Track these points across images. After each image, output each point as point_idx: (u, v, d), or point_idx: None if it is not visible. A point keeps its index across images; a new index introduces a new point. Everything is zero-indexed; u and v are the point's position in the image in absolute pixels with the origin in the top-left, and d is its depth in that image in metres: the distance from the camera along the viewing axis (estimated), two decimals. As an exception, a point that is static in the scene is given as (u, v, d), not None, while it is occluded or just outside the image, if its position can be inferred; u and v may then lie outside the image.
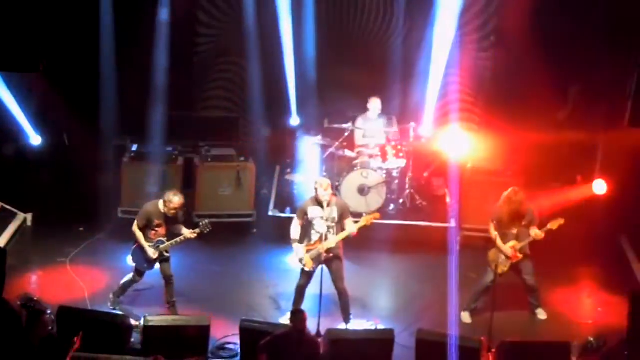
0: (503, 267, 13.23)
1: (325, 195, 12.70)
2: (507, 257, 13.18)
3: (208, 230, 13.11)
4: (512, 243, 13.16)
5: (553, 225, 13.05)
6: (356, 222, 12.92)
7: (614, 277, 15.01)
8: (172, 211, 12.92)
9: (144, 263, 13.08)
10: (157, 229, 13.02)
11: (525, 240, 13.17)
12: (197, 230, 13.05)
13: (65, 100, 16.85)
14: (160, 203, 12.98)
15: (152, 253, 12.95)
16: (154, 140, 16.63)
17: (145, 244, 12.96)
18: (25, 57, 13.17)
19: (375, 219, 13.08)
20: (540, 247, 13.47)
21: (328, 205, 12.75)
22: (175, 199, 12.87)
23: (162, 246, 12.99)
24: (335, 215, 12.78)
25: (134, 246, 13.11)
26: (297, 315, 10.97)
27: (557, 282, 14.85)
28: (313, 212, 12.82)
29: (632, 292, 12.30)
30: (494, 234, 13.16)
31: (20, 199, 16.12)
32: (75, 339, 10.42)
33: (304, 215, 12.87)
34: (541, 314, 13.66)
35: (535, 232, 13.10)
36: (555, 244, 13.67)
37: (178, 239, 13.04)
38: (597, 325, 13.22)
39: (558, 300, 14.34)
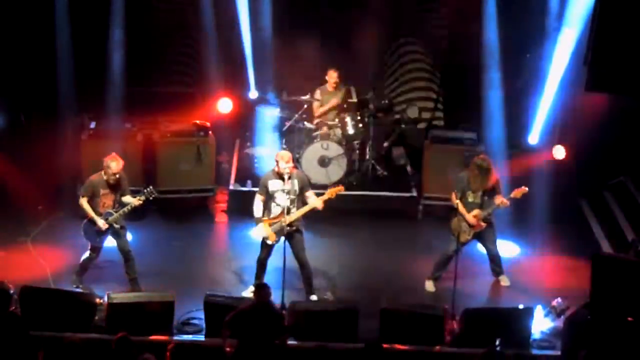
0: (466, 236, 13.28)
1: (287, 167, 12.67)
2: (471, 226, 13.23)
3: (153, 196, 13.06)
4: (475, 212, 13.19)
5: (517, 194, 13.08)
6: (320, 194, 12.92)
7: (576, 241, 15.16)
8: (113, 177, 12.83)
9: (95, 237, 13.00)
10: (103, 199, 12.94)
11: (489, 208, 13.21)
12: (142, 197, 12.98)
13: (21, 79, 16.68)
14: (103, 173, 12.93)
15: (102, 223, 12.86)
16: (112, 116, 16.50)
17: (94, 215, 12.87)
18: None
19: (340, 191, 13.08)
20: (502, 212, 13.56)
21: (289, 178, 12.73)
22: (113, 164, 12.79)
23: (111, 218, 12.90)
24: (296, 187, 12.76)
25: (84, 222, 13.02)
26: (261, 289, 10.96)
27: (519, 247, 14.98)
28: (274, 185, 12.79)
29: (594, 255, 12.39)
30: (456, 202, 13.19)
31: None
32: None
33: (265, 189, 12.84)
34: (504, 281, 13.75)
35: (501, 200, 13.13)
36: (516, 209, 13.75)
37: (125, 208, 12.96)
38: (560, 290, 13.30)
39: (521, 265, 14.46)
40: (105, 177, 12.89)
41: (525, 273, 14.22)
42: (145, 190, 13.05)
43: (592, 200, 16.44)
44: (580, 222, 16.02)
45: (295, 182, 12.78)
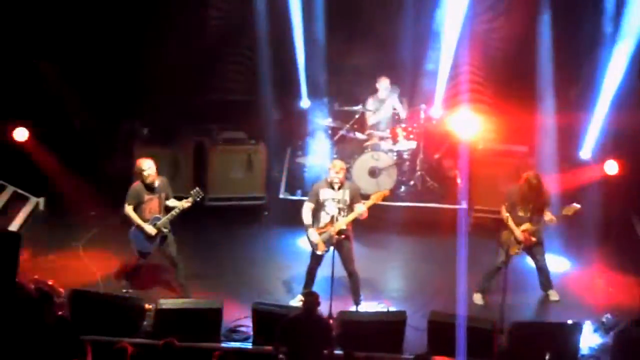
0: (515, 249, 13.20)
1: (336, 177, 12.70)
2: (520, 241, 13.13)
3: (200, 197, 13.09)
4: (525, 226, 13.10)
5: (568, 211, 12.93)
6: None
7: (626, 258, 15.00)
8: (149, 178, 12.90)
9: (144, 243, 13.06)
10: (149, 205, 13.01)
11: (538, 224, 13.12)
12: (190, 199, 12.99)
13: (76, 85, 16.87)
14: (140, 178, 13.01)
15: (150, 229, 12.94)
16: (166, 123, 16.63)
17: (141, 222, 12.95)
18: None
19: (385, 195, 13.03)
20: (553, 226, 13.46)
21: (340, 187, 12.75)
22: (145, 164, 12.90)
23: (159, 223, 12.96)
24: (347, 197, 12.78)
25: (132, 229, 13.10)
26: (309, 296, 10.97)
27: (569, 262, 14.87)
28: (325, 193, 12.83)
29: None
30: (506, 215, 13.13)
31: (33, 183, 16.14)
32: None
33: (316, 197, 12.87)
34: (553, 295, 13.64)
35: (550, 217, 13.04)
36: (567, 224, 13.65)
37: (173, 212, 12.99)
38: (610, 306, 13.19)
39: (570, 280, 14.35)
40: (143, 182, 12.97)
41: (574, 288, 14.10)
42: (192, 192, 13.07)
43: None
44: (632, 238, 15.85)
45: (347, 192, 12.80)
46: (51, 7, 16.63)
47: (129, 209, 13.02)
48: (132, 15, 16.97)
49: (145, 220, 12.99)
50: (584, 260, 15.02)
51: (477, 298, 13.58)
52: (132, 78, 17.12)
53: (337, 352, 10.92)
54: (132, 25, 17.00)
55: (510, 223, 13.11)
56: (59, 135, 16.82)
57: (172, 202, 13.14)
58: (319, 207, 12.89)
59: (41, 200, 16.15)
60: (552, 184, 14.16)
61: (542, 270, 13.52)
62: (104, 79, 17.04)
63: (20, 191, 15.99)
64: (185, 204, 13.00)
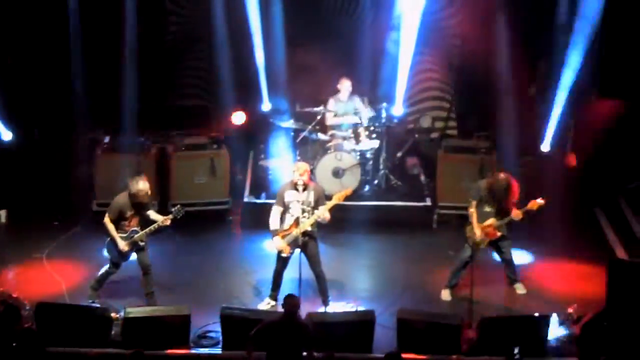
0: (481, 244, 13.27)
1: (301, 179, 12.69)
2: (480, 239, 13.20)
3: (181, 214, 13.04)
4: (490, 221, 13.17)
5: (532, 205, 13.04)
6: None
7: (590, 248, 15.12)
8: (140, 199, 12.85)
9: (118, 255, 13.01)
10: (130, 221, 12.95)
11: (504, 219, 13.19)
12: (170, 216, 12.95)
13: (35, 94, 16.77)
14: (128, 193, 12.93)
15: (123, 245, 12.84)
16: (127, 131, 16.57)
17: (117, 236, 12.84)
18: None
19: (347, 195, 12.97)
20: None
21: (304, 189, 12.74)
22: (140, 185, 12.79)
23: (136, 236, 12.90)
24: (311, 199, 12.76)
25: (107, 240, 13.02)
26: (289, 299, 10.91)
27: (534, 256, 14.96)
28: (289, 195, 12.82)
29: (610, 261, 12.36)
30: (471, 211, 13.19)
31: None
32: None
33: (282, 200, 12.86)
34: (520, 288, 13.71)
35: (515, 212, 13.11)
36: (530, 217, 13.71)
37: (152, 227, 12.93)
38: (575, 297, 13.27)
39: (536, 273, 14.43)
40: (131, 199, 12.89)
41: (540, 280, 14.17)
42: (173, 209, 13.04)
43: (606, 206, 16.39)
44: (595, 228, 15.99)
45: (312, 193, 12.78)
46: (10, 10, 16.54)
47: (107, 221, 12.88)
48: (91, 21, 16.88)
49: (124, 233, 12.88)
50: (548, 251, 15.11)
51: (445, 294, 13.60)
52: (93, 86, 17.03)
53: (316, 354, 10.90)
54: (92, 33, 16.91)
55: (474, 220, 13.17)
56: (18, 144, 16.70)
57: (152, 215, 13.07)
58: (284, 209, 12.89)
59: (3, 212, 16.02)
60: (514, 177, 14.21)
61: (508, 263, 13.60)
62: (63, 87, 16.93)
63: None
64: (165, 221, 12.92)
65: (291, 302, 10.80)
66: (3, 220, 16.04)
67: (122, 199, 12.93)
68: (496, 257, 13.80)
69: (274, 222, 12.87)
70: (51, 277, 13.96)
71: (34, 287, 13.48)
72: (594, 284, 13.40)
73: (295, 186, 12.78)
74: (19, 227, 15.79)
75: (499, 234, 13.26)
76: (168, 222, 12.96)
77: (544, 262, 14.90)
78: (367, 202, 16.33)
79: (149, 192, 12.92)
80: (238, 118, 17.11)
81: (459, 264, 13.44)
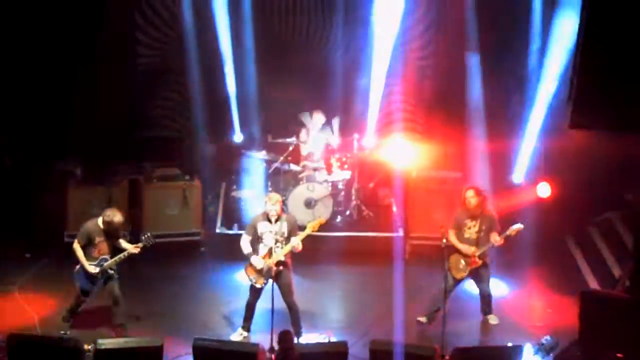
0: (462, 273, 13.29)
1: (273, 209, 12.70)
2: (467, 262, 13.22)
3: (151, 243, 13.05)
4: (471, 249, 13.20)
5: (511, 231, 13.10)
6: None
7: (562, 278, 15.20)
8: (113, 227, 12.88)
9: (87, 282, 12.96)
10: (99, 246, 12.93)
11: (484, 246, 13.22)
12: (140, 245, 12.99)
13: (6, 123, 16.71)
14: (100, 220, 12.94)
15: (93, 269, 12.84)
16: (99, 162, 16.53)
17: (85, 262, 12.85)
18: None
19: (321, 224, 13.04)
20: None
21: (277, 220, 12.75)
22: (116, 219, 12.86)
23: (105, 264, 12.89)
24: (284, 230, 12.78)
25: (77, 267, 12.98)
26: (285, 335, 10.91)
27: (506, 286, 15.00)
28: (262, 226, 12.83)
29: (582, 292, 12.40)
30: (452, 239, 13.21)
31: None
32: None
33: (253, 230, 12.86)
34: (493, 319, 13.73)
35: (495, 239, 13.14)
36: (502, 247, 13.76)
37: (121, 255, 12.95)
38: (548, 327, 13.31)
39: (508, 303, 14.47)
40: (103, 227, 12.88)
41: (513, 311, 14.22)
42: (143, 237, 13.06)
43: (578, 236, 16.46)
44: (567, 259, 16.05)
45: (285, 224, 12.80)
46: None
47: (77, 246, 12.91)
48: (63, 54, 16.85)
49: (93, 259, 12.88)
50: (520, 282, 15.20)
51: (423, 319, 13.57)
52: (65, 117, 16.99)
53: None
54: (64, 64, 16.87)
55: (454, 240, 13.19)
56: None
57: (122, 243, 13.06)
58: (256, 240, 12.88)
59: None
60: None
61: (484, 294, 13.60)
62: (36, 117, 16.86)
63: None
64: (134, 249, 12.96)
65: (286, 338, 10.81)
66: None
67: (91, 225, 12.97)
68: (471, 288, 13.80)
69: (246, 247, 12.89)
70: (23, 309, 13.85)
71: (6, 319, 13.37)
72: (567, 314, 13.46)
73: (267, 217, 12.79)
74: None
75: (479, 262, 13.27)
76: (137, 251, 13.00)
77: (516, 292, 14.96)
78: (339, 232, 16.36)
79: (120, 226, 12.96)
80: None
81: (438, 294, 13.37)
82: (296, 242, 12.72)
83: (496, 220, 13.37)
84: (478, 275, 13.47)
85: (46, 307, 13.86)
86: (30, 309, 13.82)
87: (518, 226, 13.11)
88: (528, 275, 15.32)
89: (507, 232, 13.12)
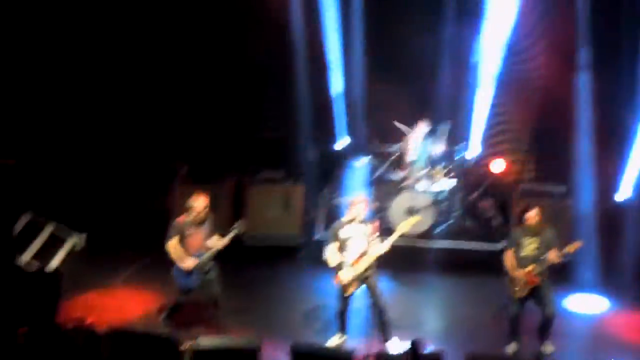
0: (521, 293, 12.94)
1: (360, 211, 12.70)
2: (525, 283, 12.95)
3: (242, 230, 13.17)
4: (530, 267, 12.87)
5: (570, 248, 12.67)
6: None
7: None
8: (198, 215, 12.97)
9: (186, 279, 13.10)
10: (191, 240, 13.03)
11: (543, 263, 12.81)
12: (231, 234, 13.04)
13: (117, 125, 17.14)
14: (188, 213, 13.07)
15: (192, 261, 12.94)
16: (205, 162, 16.76)
17: (181, 255, 12.93)
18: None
19: (412, 223, 12.98)
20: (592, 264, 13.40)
21: (362, 222, 12.74)
22: (196, 203, 12.94)
23: (202, 258, 13.02)
24: (369, 232, 12.74)
25: (174, 266, 13.08)
26: (418, 343, 10.94)
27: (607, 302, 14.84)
28: (348, 231, 12.74)
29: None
30: (510, 262, 12.97)
31: (75, 220, 16.29)
32: None
33: (336, 236, 12.78)
34: (548, 347, 13.06)
35: (554, 255, 12.74)
36: (605, 261, 13.53)
37: (214, 250, 13.03)
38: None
39: (611, 321, 14.27)
40: (191, 218, 13.04)
41: (614, 329, 14.00)
42: (234, 226, 13.12)
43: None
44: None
45: (369, 225, 12.76)
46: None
47: (170, 244, 13.02)
48: (174, 54, 17.15)
49: (187, 255, 13.05)
50: (624, 299, 14.92)
51: (511, 347, 13.23)
52: (174, 118, 17.28)
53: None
54: (176, 64, 17.17)
55: (508, 264, 12.93)
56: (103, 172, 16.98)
57: (212, 241, 13.15)
58: (342, 246, 12.82)
59: (82, 236, 16.25)
60: (589, 225, 14.04)
61: (545, 318, 12.91)
62: (146, 119, 17.20)
63: (61, 227, 16.09)
64: (226, 241, 13.03)
65: (419, 346, 10.75)
66: (82, 244, 16.25)
67: (182, 219, 13.06)
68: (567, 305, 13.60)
69: (333, 259, 12.77)
70: (127, 305, 14.16)
71: (108, 313, 13.60)
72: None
73: (354, 221, 12.78)
74: (97, 253, 15.95)
75: (537, 280, 12.96)
76: (227, 242, 13.04)
77: (619, 309, 14.72)
78: (440, 242, 16.30)
79: (204, 210, 12.99)
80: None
81: (510, 320, 13.03)
82: (387, 243, 12.64)
83: (556, 236, 13.07)
84: (538, 295, 12.96)
85: (149, 303, 14.10)
86: (133, 304, 14.12)
87: (577, 243, 12.71)
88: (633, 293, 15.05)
89: (566, 249, 12.74)
